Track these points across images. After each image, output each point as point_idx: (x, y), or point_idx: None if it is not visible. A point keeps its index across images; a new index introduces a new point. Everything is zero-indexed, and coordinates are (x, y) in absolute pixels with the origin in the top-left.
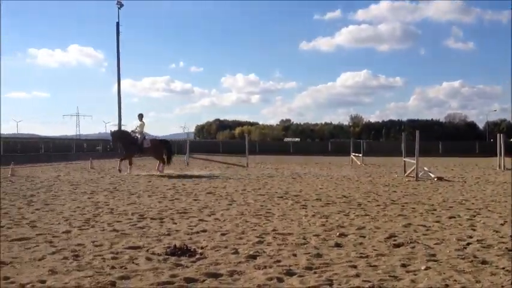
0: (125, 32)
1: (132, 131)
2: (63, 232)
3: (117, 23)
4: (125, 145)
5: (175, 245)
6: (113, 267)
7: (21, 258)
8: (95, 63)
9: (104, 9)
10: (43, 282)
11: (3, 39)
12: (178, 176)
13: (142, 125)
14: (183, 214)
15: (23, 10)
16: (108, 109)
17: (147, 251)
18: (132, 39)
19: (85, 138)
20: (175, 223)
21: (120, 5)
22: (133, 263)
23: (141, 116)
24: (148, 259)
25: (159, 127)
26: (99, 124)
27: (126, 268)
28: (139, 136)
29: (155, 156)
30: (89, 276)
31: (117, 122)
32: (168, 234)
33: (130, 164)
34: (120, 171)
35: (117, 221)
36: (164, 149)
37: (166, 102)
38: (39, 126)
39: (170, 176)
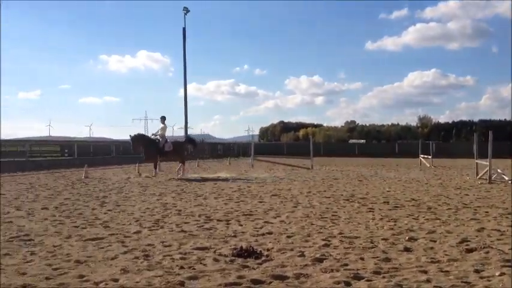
0: (191, 36)
1: (153, 134)
2: (134, 232)
3: (184, 29)
4: (146, 149)
5: (241, 247)
6: (181, 267)
7: (95, 257)
8: (162, 68)
9: (171, 15)
10: (116, 281)
11: (79, 48)
12: (230, 179)
13: (164, 128)
14: (248, 216)
15: (95, 19)
16: (175, 112)
17: (214, 252)
18: (197, 44)
19: None
20: (241, 225)
21: (187, 11)
22: (201, 263)
23: (163, 119)
24: (216, 260)
25: (223, 130)
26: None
27: (194, 268)
28: (160, 139)
29: (178, 159)
30: (159, 276)
31: (183, 125)
32: (234, 236)
33: (156, 167)
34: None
35: (185, 222)
36: (189, 147)
37: (231, 105)
38: (110, 129)
39: (235, 179)
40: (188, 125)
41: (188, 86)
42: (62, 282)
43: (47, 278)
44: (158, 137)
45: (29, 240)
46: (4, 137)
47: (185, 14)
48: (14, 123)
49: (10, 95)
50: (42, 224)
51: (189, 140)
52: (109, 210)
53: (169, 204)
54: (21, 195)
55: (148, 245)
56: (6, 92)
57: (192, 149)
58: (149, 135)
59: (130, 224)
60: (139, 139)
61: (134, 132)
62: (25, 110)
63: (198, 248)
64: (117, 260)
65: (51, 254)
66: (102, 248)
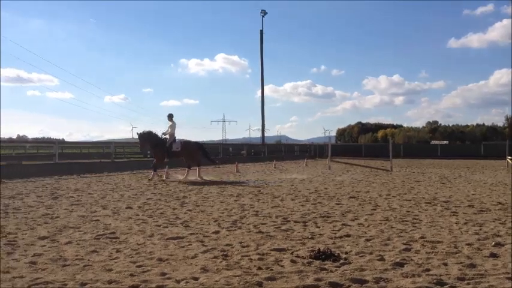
0: (268, 38)
1: (163, 133)
2: (213, 232)
3: (261, 31)
4: (153, 148)
5: (319, 249)
6: (259, 268)
7: (176, 255)
8: (239, 70)
9: (249, 18)
10: (196, 279)
11: (160, 53)
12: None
13: (172, 126)
14: (326, 218)
15: (175, 24)
16: (252, 114)
17: (292, 253)
18: (274, 45)
19: (231, 143)
20: (319, 227)
21: (264, 13)
22: (278, 264)
23: (170, 116)
24: (293, 262)
25: (300, 131)
26: (243, 129)
27: (272, 269)
28: (168, 138)
29: (188, 160)
30: (237, 276)
31: (260, 127)
32: (312, 238)
33: (155, 170)
34: (151, 179)
35: (262, 223)
36: (199, 153)
37: (308, 106)
38: (190, 131)
39: (311, 181)
40: (265, 127)
41: (265, 88)
42: (145, 279)
43: (131, 275)
44: (167, 135)
45: (115, 238)
46: (91, 138)
47: (263, 16)
48: (100, 126)
49: (97, 99)
50: (126, 223)
51: (199, 146)
52: (189, 210)
53: (246, 205)
54: (107, 195)
55: (227, 245)
56: (94, 97)
57: (201, 155)
58: (159, 134)
59: (209, 224)
60: (147, 138)
61: (143, 130)
62: (111, 113)
63: (275, 249)
64: (197, 258)
65: (135, 252)
66: (183, 247)
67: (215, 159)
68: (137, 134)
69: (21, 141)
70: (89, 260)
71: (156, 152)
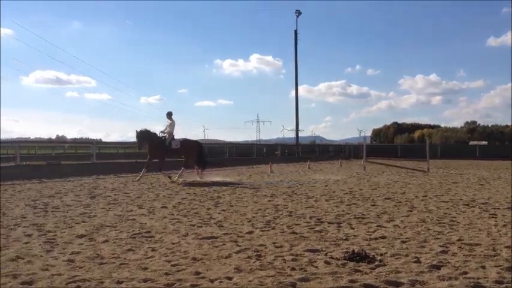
0: (302, 38)
1: (161, 132)
2: (247, 232)
3: (295, 31)
4: (151, 146)
5: (353, 250)
6: (293, 269)
7: (210, 255)
8: (274, 70)
9: (283, 18)
10: (230, 279)
11: (195, 53)
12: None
13: (172, 124)
14: (360, 219)
15: (210, 25)
16: (286, 115)
17: (326, 254)
18: (309, 45)
19: (264, 143)
20: (353, 228)
21: (299, 14)
22: (312, 265)
23: (169, 114)
24: (327, 263)
25: (335, 131)
26: (277, 129)
27: (305, 270)
28: (167, 136)
29: (187, 159)
30: (271, 276)
31: (294, 127)
32: (346, 239)
33: (147, 167)
34: (139, 179)
35: (296, 224)
36: (197, 152)
37: (343, 106)
38: (224, 132)
39: (345, 182)
40: (299, 127)
41: (299, 88)
42: (179, 278)
43: (166, 274)
44: (165, 134)
45: (150, 237)
46: (127, 139)
47: (297, 16)
48: (136, 126)
49: (133, 100)
50: (161, 222)
51: (198, 144)
52: (223, 210)
53: (280, 206)
54: (143, 194)
55: (261, 245)
56: (130, 97)
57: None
58: (157, 132)
59: (243, 224)
60: (145, 135)
61: (141, 128)
62: (147, 114)
63: (309, 250)
64: (230, 258)
65: (170, 251)
66: (217, 246)
67: (206, 165)
68: (136, 131)
69: (60, 141)
70: (125, 259)
71: (155, 150)
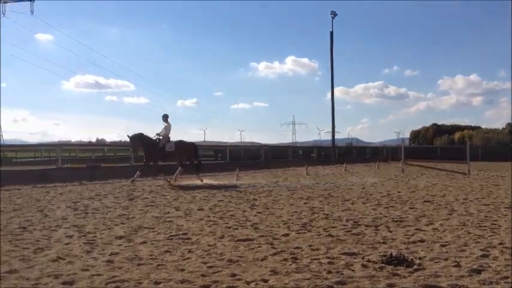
0: (338, 40)
1: (157, 134)
2: (283, 235)
3: (331, 32)
4: (145, 150)
5: (391, 254)
6: (329, 272)
7: (246, 257)
8: (309, 72)
9: (319, 20)
10: (265, 281)
11: (231, 56)
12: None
13: (168, 127)
14: (398, 222)
15: (246, 28)
16: (322, 117)
17: (363, 258)
18: (345, 47)
19: (300, 146)
20: (391, 231)
21: (334, 15)
22: (349, 269)
23: (165, 117)
24: (364, 266)
25: (372, 133)
26: (313, 131)
27: (342, 274)
28: (161, 139)
29: (181, 160)
30: (307, 279)
31: (330, 129)
32: (384, 243)
33: (158, 171)
34: (132, 181)
35: (332, 227)
36: (192, 153)
37: (380, 107)
38: (260, 134)
39: (383, 184)
40: (335, 129)
41: (335, 90)
42: (216, 280)
43: (202, 275)
44: (160, 136)
45: (187, 239)
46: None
47: (333, 17)
48: (173, 130)
49: (170, 103)
50: (198, 224)
51: (192, 146)
52: (259, 212)
53: (316, 208)
54: (179, 197)
55: (296, 247)
56: (167, 101)
57: (194, 160)
58: (152, 136)
59: (278, 226)
60: (138, 139)
61: (137, 132)
62: (183, 117)
63: (345, 253)
64: (266, 261)
65: (206, 253)
66: (253, 248)
67: (199, 169)
68: (128, 136)
69: (100, 144)
70: (162, 260)
71: (149, 153)
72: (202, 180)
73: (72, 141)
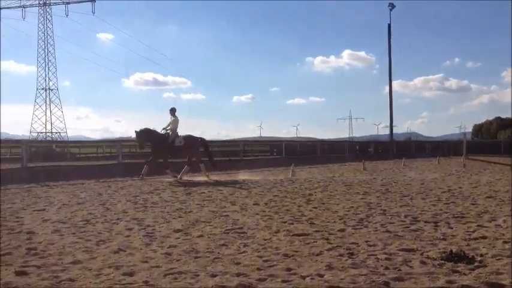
0: (396, 32)
1: (164, 129)
2: (339, 230)
3: (389, 25)
4: (153, 145)
5: (451, 250)
6: (386, 268)
7: (301, 252)
8: (366, 66)
9: (376, 12)
10: (321, 276)
11: (287, 52)
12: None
13: (175, 121)
14: (459, 219)
15: (301, 22)
16: (380, 111)
17: (421, 254)
18: (403, 39)
19: (357, 141)
20: (451, 228)
21: (392, 7)
22: (407, 265)
23: (173, 111)
24: (423, 263)
25: (432, 128)
26: (370, 126)
27: (400, 270)
28: (170, 133)
29: (191, 156)
30: (363, 275)
31: (388, 124)
32: (444, 239)
33: (168, 167)
34: (141, 176)
35: (390, 223)
36: (201, 147)
37: (440, 101)
38: (316, 129)
39: (443, 179)
40: (393, 124)
41: (393, 83)
42: (271, 274)
43: (258, 269)
44: (168, 131)
45: (243, 233)
46: (221, 137)
47: (391, 9)
48: (229, 125)
49: (226, 99)
50: (253, 219)
51: (203, 142)
52: (314, 207)
53: (373, 204)
54: (236, 191)
55: (353, 243)
56: (223, 97)
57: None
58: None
59: (334, 221)
60: (146, 134)
61: (142, 127)
62: (239, 113)
63: (403, 249)
64: (322, 256)
65: (261, 247)
66: (308, 243)
67: (216, 163)
68: (135, 131)
69: None
70: (218, 253)
71: (158, 149)
72: (208, 177)
73: (132, 137)
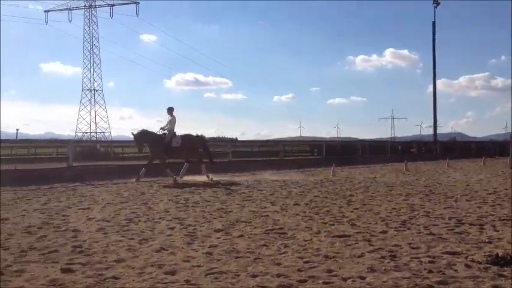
0: (441, 30)
1: (161, 129)
2: (380, 232)
3: (433, 23)
4: (151, 147)
5: (497, 254)
6: (430, 271)
7: (343, 253)
8: (409, 65)
9: (419, 10)
10: (363, 278)
11: (327, 51)
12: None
13: (172, 121)
14: (505, 221)
15: (342, 21)
16: (423, 110)
17: (466, 257)
18: (448, 37)
19: (399, 141)
20: (497, 230)
21: (437, 4)
22: (451, 268)
23: (170, 110)
24: (468, 266)
25: (477, 127)
26: (413, 126)
27: (443, 273)
28: (167, 134)
29: (190, 156)
30: (406, 278)
31: (432, 124)
32: (489, 242)
33: (166, 167)
34: (137, 179)
35: (434, 225)
36: (200, 147)
37: (486, 100)
38: (357, 129)
39: (489, 181)
40: (437, 123)
41: (437, 82)
42: (312, 275)
43: (298, 270)
44: (166, 131)
45: (283, 233)
46: (261, 137)
47: (435, 7)
48: (269, 125)
49: (266, 99)
50: (294, 219)
51: (200, 139)
52: (355, 208)
53: (416, 205)
54: (275, 192)
55: (395, 245)
56: (263, 97)
57: (204, 153)
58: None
59: (376, 223)
60: (143, 136)
61: (137, 130)
62: (279, 112)
63: (447, 252)
64: (363, 258)
65: (302, 248)
66: (349, 245)
67: (212, 162)
68: (132, 133)
69: None
70: (259, 253)
71: (155, 149)
72: (209, 177)
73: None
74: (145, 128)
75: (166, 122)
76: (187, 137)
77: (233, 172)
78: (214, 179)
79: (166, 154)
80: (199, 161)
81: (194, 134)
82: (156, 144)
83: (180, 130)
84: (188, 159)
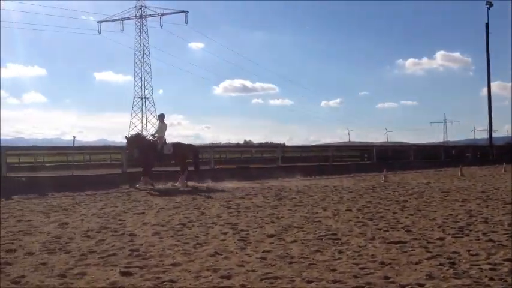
0: (494, 31)
1: (152, 135)
2: (438, 238)
3: (487, 24)
4: (141, 152)
5: None
6: (491, 279)
7: (399, 260)
8: (462, 67)
9: (472, 12)
10: (421, 285)
11: (376, 54)
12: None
13: (162, 128)
14: None
15: (391, 24)
16: (477, 114)
17: None
18: (501, 39)
19: (453, 145)
20: None
21: (490, 5)
22: None
23: (161, 117)
24: None
25: None
26: (466, 130)
27: (505, 281)
28: (158, 141)
29: (180, 164)
30: (467, 285)
31: (487, 128)
32: None
33: (147, 174)
34: (138, 187)
35: (493, 231)
36: (191, 155)
37: None
38: (407, 133)
39: None
40: (493, 127)
41: (492, 85)
42: (368, 281)
43: (354, 276)
44: (156, 138)
45: (336, 239)
46: (309, 143)
47: (488, 8)
48: (318, 130)
49: (314, 104)
50: (347, 225)
51: (191, 147)
52: (410, 214)
53: (474, 211)
54: (327, 197)
55: (453, 252)
56: (311, 102)
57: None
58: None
59: (432, 229)
60: (134, 141)
61: (131, 134)
62: (327, 117)
63: (509, 260)
64: (421, 264)
65: (357, 254)
66: (406, 251)
67: (198, 171)
68: (125, 136)
69: (248, 146)
70: (313, 259)
71: (146, 155)
72: (187, 185)
73: (222, 143)
74: (139, 132)
75: (156, 129)
76: (178, 145)
77: (282, 177)
78: (189, 185)
79: (157, 161)
80: (184, 168)
81: (186, 143)
82: (148, 150)
83: (229, 137)
84: (183, 167)
